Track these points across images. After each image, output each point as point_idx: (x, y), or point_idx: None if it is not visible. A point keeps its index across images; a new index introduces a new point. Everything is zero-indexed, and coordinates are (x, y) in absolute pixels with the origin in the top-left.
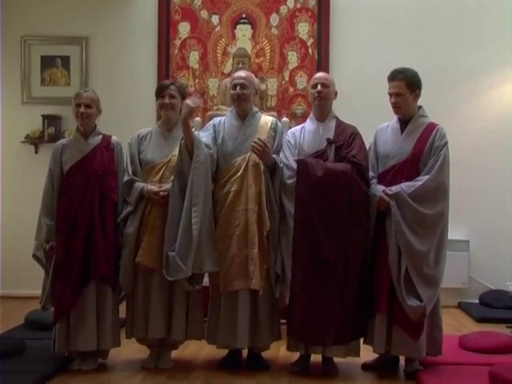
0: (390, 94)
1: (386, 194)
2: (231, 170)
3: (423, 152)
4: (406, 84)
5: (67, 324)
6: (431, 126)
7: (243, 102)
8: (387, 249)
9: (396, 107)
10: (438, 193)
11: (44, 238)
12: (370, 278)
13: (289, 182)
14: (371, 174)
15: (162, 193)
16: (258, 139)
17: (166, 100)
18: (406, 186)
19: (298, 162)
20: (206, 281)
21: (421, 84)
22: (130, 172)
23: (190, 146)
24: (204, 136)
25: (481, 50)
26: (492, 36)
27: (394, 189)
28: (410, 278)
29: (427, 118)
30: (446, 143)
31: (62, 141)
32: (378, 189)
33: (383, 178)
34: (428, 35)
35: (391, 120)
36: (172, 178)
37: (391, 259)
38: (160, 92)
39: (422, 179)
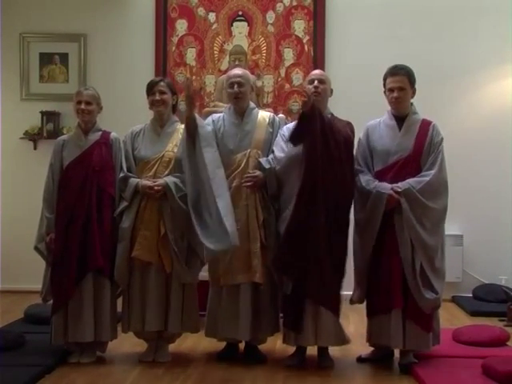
0: (392, 89)
1: (395, 192)
2: (232, 166)
3: (423, 148)
4: (408, 79)
5: (65, 316)
6: (427, 123)
7: (241, 100)
8: (397, 245)
9: (398, 102)
10: (441, 187)
11: (44, 231)
12: (379, 275)
13: (280, 165)
14: (363, 168)
15: (156, 187)
16: (246, 176)
17: (157, 97)
18: (414, 182)
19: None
20: (203, 275)
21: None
22: (125, 168)
23: (189, 123)
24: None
25: (478, 45)
26: (490, 31)
27: (402, 185)
28: (424, 272)
29: (419, 115)
30: (442, 139)
31: (63, 137)
32: (385, 186)
33: (385, 175)
34: (424, 31)
35: (381, 117)
36: (166, 172)
37: (404, 255)
38: (150, 89)
39: (428, 174)
